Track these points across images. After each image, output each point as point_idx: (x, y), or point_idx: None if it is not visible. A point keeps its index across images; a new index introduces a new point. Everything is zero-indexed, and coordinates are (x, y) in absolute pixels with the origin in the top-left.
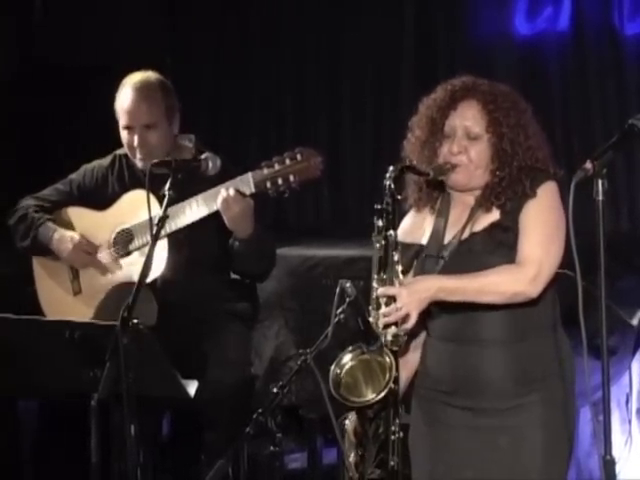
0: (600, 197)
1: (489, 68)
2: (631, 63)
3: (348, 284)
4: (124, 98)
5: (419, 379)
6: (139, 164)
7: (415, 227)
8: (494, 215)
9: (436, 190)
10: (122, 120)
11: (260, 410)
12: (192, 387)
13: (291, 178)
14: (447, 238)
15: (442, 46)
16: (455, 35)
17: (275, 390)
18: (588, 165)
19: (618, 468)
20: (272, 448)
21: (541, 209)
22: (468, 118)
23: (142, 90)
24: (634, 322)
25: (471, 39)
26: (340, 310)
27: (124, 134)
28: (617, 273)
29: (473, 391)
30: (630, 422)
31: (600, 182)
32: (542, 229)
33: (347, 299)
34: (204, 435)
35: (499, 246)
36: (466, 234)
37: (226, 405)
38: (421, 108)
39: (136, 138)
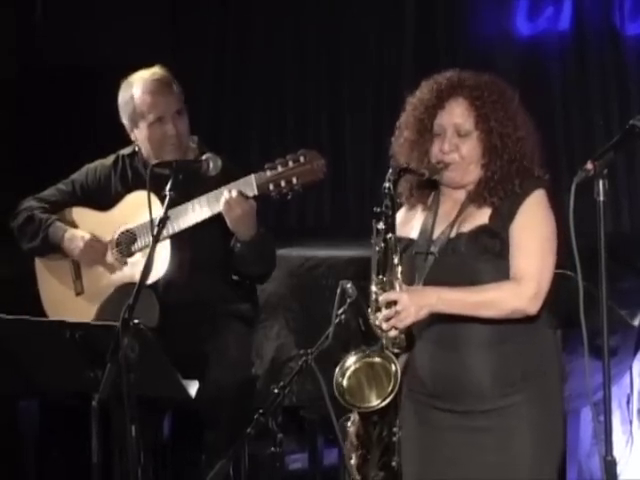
0: (601, 198)
1: (489, 68)
2: (632, 63)
3: (349, 284)
4: (145, 93)
5: (407, 380)
6: (170, 155)
7: (405, 221)
8: (484, 214)
9: (428, 187)
10: (152, 114)
11: (261, 410)
12: (193, 387)
13: (294, 180)
14: (436, 233)
15: (442, 46)
16: (455, 35)
17: (276, 390)
18: (589, 165)
19: (619, 469)
20: (273, 449)
21: (535, 222)
22: (457, 116)
23: (161, 80)
24: (635, 323)
25: (472, 39)
26: (341, 311)
27: (154, 129)
28: (618, 274)
29: (456, 393)
30: (631, 422)
31: (601, 183)
32: (537, 244)
33: (348, 299)
34: (205, 435)
35: (483, 252)
36: (454, 232)
37: (227, 405)
38: (408, 108)
39: (171, 127)
